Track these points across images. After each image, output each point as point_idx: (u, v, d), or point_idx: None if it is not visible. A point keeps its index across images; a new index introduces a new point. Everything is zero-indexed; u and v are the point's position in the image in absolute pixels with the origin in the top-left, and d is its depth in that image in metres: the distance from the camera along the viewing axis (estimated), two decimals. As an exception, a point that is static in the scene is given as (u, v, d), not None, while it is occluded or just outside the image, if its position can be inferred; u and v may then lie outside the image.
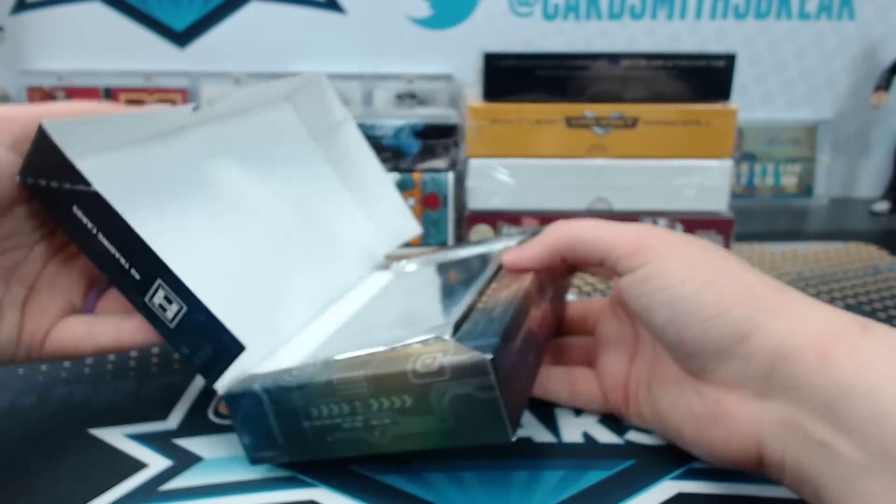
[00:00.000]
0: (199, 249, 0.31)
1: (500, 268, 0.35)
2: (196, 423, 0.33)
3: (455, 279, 0.37)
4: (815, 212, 0.77)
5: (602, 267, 0.31)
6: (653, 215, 0.57)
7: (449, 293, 0.34)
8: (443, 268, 0.40)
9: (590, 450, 0.31)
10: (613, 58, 0.55)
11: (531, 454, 0.30)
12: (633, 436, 0.32)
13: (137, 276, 0.27)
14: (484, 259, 0.38)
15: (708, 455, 0.27)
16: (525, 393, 0.28)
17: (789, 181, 0.79)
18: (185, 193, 0.31)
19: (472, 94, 0.60)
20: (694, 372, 0.27)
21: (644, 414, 0.31)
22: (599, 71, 0.55)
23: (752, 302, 0.25)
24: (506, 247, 0.37)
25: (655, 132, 0.55)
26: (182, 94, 0.77)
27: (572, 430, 0.32)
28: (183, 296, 0.27)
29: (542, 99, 0.55)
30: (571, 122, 0.56)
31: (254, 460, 0.29)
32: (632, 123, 0.55)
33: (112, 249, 0.27)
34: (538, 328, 0.30)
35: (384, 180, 0.43)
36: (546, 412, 0.34)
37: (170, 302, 0.27)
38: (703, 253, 0.28)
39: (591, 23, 0.77)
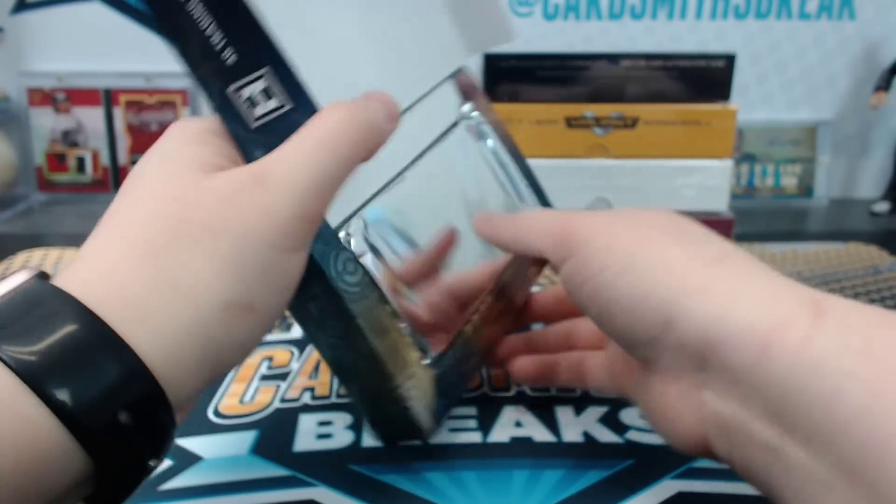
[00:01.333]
0: (318, 38, 0.25)
1: None
2: (196, 423, 0.33)
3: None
4: (815, 212, 0.77)
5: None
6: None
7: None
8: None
9: (590, 449, 0.31)
10: (613, 58, 0.55)
11: (531, 454, 0.30)
12: (633, 435, 0.32)
13: (232, 60, 0.22)
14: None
15: (676, 448, 0.25)
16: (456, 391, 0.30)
17: (789, 182, 0.79)
18: None
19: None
20: (641, 363, 0.25)
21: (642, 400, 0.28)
22: (599, 71, 0.55)
23: (674, 282, 0.22)
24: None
25: (655, 132, 0.55)
26: (182, 95, 0.77)
27: (572, 429, 0.32)
28: (293, 92, 0.23)
29: (542, 99, 0.55)
30: (571, 122, 0.56)
31: None
32: (632, 123, 0.55)
33: (206, 22, 0.21)
34: (486, 341, 0.32)
35: None
36: (546, 412, 0.34)
37: (268, 97, 0.23)
38: (627, 231, 0.25)
39: (591, 23, 0.77)
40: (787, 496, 0.19)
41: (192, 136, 0.23)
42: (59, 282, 0.18)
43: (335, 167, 0.22)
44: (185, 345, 0.19)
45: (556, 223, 0.27)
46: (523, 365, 0.33)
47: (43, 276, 0.19)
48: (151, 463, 0.19)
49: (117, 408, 0.17)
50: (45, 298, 0.18)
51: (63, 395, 0.16)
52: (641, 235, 0.24)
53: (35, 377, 0.16)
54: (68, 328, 0.17)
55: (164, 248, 0.19)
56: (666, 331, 0.22)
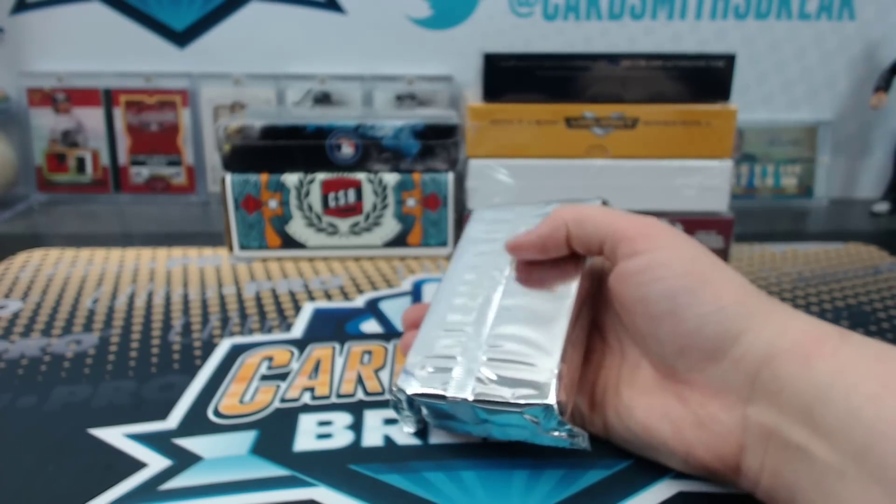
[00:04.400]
0: None
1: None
2: (196, 423, 0.33)
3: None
4: (815, 212, 0.77)
5: (601, 253, 0.30)
6: (653, 215, 0.57)
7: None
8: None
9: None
10: (613, 58, 0.55)
11: (531, 454, 0.30)
12: (634, 435, 0.32)
13: None
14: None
15: (682, 462, 0.27)
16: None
17: (789, 182, 0.79)
18: None
19: (472, 94, 0.60)
20: (679, 373, 0.27)
21: (609, 421, 0.30)
22: (599, 71, 0.55)
23: (747, 302, 0.26)
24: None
25: (655, 132, 0.55)
26: (182, 95, 0.77)
27: (572, 429, 0.32)
28: None
29: (542, 99, 0.55)
30: (571, 123, 0.56)
31: None
32: (632, 124, 0.55)
33: None
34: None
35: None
36: (546, 412, 0.34)
37: None
38: (701, 251, 0.28)
39: (591, 23, 0.77)
40: (808, 491, 0.22)
41: None
42: None
43: None
44: None
45: (627, 219, 0.29)
46: None
47: None
48: None
49: None
50: None
51: None
52: (714, 259, 0.28)
53: None
54: None
55: None
56: (732, 342, 0.25)
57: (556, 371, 0.28)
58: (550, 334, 0.30)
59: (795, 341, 0.24)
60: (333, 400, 0.35)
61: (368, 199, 0.56)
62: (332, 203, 0.56)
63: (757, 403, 0.24)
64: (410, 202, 0.56)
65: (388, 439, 0.32)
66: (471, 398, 0.28)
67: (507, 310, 0.32)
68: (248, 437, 0.32)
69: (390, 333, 0.43)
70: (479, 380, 0.28)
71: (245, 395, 0.36)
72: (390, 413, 0.34)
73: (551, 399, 0.27)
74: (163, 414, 0.34)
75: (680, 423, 0.27)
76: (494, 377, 0.28)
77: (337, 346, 0.41)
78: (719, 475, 0.26)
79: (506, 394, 0.28)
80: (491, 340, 0.30)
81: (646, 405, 0.28)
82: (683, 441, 0.26)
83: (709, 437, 0.26)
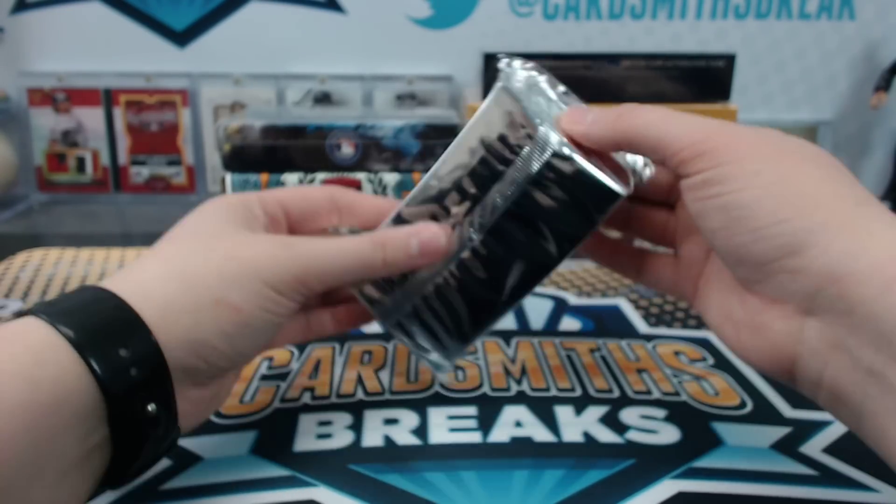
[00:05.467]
0: None
1: None
2: (196, 423, 0.33)
3: None
4: (816, 212, 0.77)
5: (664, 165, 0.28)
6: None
7: None
8: None
9: (590, 449, 0.31)
10: (613, 58, 0.55)
11: (531, 454, 0.30)
12: (633, 435, 0.32)
13: None
14: None
15: (744, 360, 0.27)
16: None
17: (789, 181, 0.79)
18: None
19: (472, 94, 0.60)
20: (741, 280, 0.27)
21: (701, 314, 0.30)
22: (599, 71, 0.55)
23: (817, 214, 0.23)
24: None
25: (655, 132, 0.55)
26: (182, 95, 0.77)
27: (572, 429, 0.32)
28: None
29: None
30: (571, 122, 0.56)
31: None
32: (632, 123, 0.55)
33: None
34: None
35: None
36: (546, 411, 0.34)
37: None
38: (777, 157, 0.25)
39: (592, 23, 0.77)
40: (879, 416, 0.21)
41: (229, 205, 0.30)
42: (104, 283, 0.25)
43: (344, 275, 0.30)
44: (179, 320, 0.25)
45: (702, 130, 0.26)
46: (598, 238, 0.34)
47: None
48: (150, 407, 0.23)
49: (117, 344, 0.23)
50: (89, 292, 0.24)
51: (94, 359, 0.22)
52: (792, 165, 0.25)
53: (78, 344, 0.22)
54: (102, 312, 0.24)
55: (186, 262, 0.26)
56: (789, 257, 0.23)
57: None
58: None
59: (875, 263, 0.21)
60: (333, 400, 0.35)
61: (368, 199, 0.56)
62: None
63: (819, 318, 0.23)
64: (410, 202, 0.57)
65: (388, 439, 0.32)
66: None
67: None
68: (248, 437, 0.32)
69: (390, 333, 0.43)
70: None
71: (245, 395, 0.36)
72: (390, 413, 0.34)
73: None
74: (163, 414, 0.34)
75: (740, 326, 0.26)
76: None
77: (337, 346, 0.41)
78: (777, 377, 0.26)
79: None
80: None
81: (716, 305, 0.28)
82: (741, 344, 0.26)
83: (762, 343, 0.25)
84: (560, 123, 0.30)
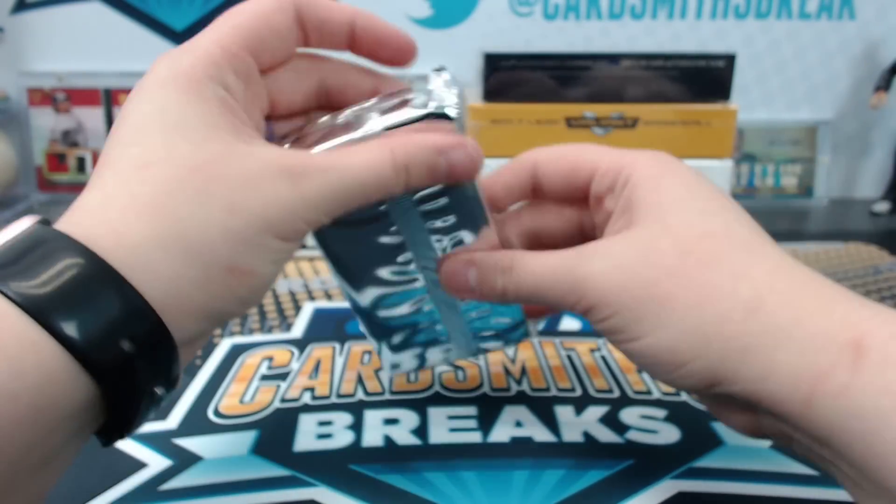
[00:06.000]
0: None
1: None
2: (196, 423, 0.33)
3: None
4: (816, 212, 0.77)
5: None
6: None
7: None
8: None
9: (590, 449, 0.31)
10: (613, 58, 0.55)
11: (531, 454, 0.30)
12: (633, 435, 0.32)
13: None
14: None
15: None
16: None
17: (789, 182, 0.79)
18: None
19: (472, 94, 0.60)
20: None
21: None
22: (599, 71, 0.55)
23: (713, 349, 0.22)
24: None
25: (655, 132, 0.55)
26: (182, 95, 0.77)
27: (572, 429, 0.32)
28: None
29: (542, 99, 0.55)
30: (571, 122, 0.56)
31: None
32: (632, 123, 0.55)
33: None
34: None
35: None
36: (546, 412, 0.34)
37: None
38: (645, 291, 0.23)
39: (592, 23, 0.77)
40: (852, 493, 0.21)
41: (199, 87, 0.22)
42: (62, 226, 0.20)
43: (358, 198, 0.23)
44: (191, 296, 0.20)
45: (574, 287, 0.24)
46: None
47: (46, 223, 0.20)
48: (158, 391, 0.20)
49: (119, 337, 0.18)
50: (49, 238, 0.19)
51: (69, 327, 0.18)
52: (665, 295, 0.23)
53: (41, 311, 0.17)
54: (71, 264, 0.18)
55: (180, 216, 0.20)
56: (711, 387, 0.23)
57: None
58: None
59: (787, 382, 0.20)
60: (333, 400, 0.35)
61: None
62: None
63: (765, 418, 0.23)
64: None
65: (388, 439, 0.32)
66: None
67: None
68: (249, 437, 0.32)
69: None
70: None
71: (245, 395, 0.36)
72: (390, 413, 0.34)
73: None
74: (163, 414, 0.34)
75: (705, 403, 0.26)
76: None
77: (337, 345, 0.41)
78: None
79: None
80: None
81: None
82: (712, 412, 0.26)
83: (729, 421, 0.25)
84: (444, 281, 0.28)
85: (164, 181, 0.21)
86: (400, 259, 0.29)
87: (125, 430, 0.21)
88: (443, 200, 0.27)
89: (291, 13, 0.25)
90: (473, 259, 0.27)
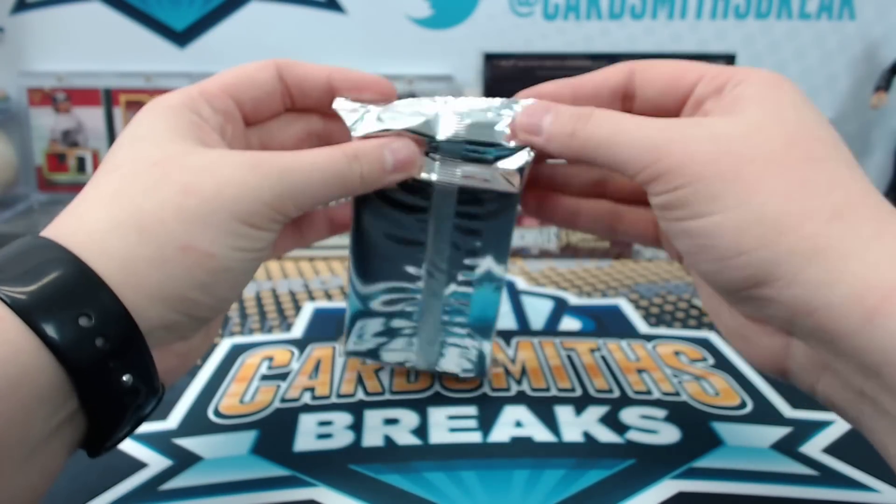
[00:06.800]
0: None
1: None
2: (196, 423, 0.33)
3: None
4: (816, 212, 0.77)
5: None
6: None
7: None
8: None
9: (590, 449, 0.31)
10: (613, 58, 0.55)
11: (531, 454, 0.30)
12: (634, 435, 0.32)
13: None
14: None
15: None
16: None
17: (789, 181, 0.79)
18: None
19: (472, 94, 0.60)
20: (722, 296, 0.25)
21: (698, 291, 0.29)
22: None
23: (781, 242, 0.20)
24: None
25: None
26: (182, 95, 0.77)
27: (572, 429, 0.32)
28: None
29: (542, 99, 0.55)
30: (571, 122, 0.56)
31: None
32: (632, 123, 0.55)
33: None
34: None
35: None
36: (546, 412, 0.34)
37: None
38: (737, 173, 0.22)
39: (592, 23, 0.77)
40: (879, 435, 0.20)
41: (171, 111, 0.25)
42: (49, 232, 0.21)
43: (321, 194, 0.25)
44: (147, 275, 0.21)
45: (653, 150, 0.23)
46: (547, 206, 0.31)
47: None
48: (126, 379, 0.21)
49: (77, 314, 0.19)
50: (35, 247, 0.21)
51: (50, 328, 0.19)
52: (754, 180, 0.21)
53: (26, 312, 0.19)
54: (55, 273, 0.20)
55: (136, 202, 0.22)
56: (759, 287, 0.21)
57: None
58: None
59: (851, 293, 0.19)
60: (333, 400, 0.35)
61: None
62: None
63: (803, 340, 0.22)
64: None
65: (388, 439, 0.32)
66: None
67: None
68: (249, 437, 0.32)
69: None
70: None
71: (245, 394, 0.36)
72: (390, 413, 0.34)
73: None
74: (163, 414, 0.34)
75: (730, 327, 0.26)
76: None
77: (337, 346, 0.41)
78: (780, 380, 0.25)
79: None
80: None
81: (707, 301, 0.27)
82: (734, 343, 0.26)
83: (752, 351, 0.24)
84: (515, 126, 0.27)
85: (126, 176, 0.23)
86: (417, 254, 0.31)
87: (108, 431, 0.21)
88: (477, 224, 0.30)
89: (272, 70, 0.29)
90: (552, 106, 0.27)
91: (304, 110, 0.30)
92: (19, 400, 0.18)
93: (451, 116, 0.28)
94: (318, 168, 0.25)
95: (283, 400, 0.35)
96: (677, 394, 0.35)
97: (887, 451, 0.20)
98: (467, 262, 0.31)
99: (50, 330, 0.19)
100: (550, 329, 0.43)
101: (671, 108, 0.27)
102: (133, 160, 0.23)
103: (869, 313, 0.19)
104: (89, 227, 0.21)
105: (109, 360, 0.20)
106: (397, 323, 0.33)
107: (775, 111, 0.23)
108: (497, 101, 0.28)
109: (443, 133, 0.28)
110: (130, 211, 0.22)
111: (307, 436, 0.32)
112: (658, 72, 0.27)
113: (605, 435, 0.32)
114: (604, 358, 0.39)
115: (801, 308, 0.20)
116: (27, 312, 0.19)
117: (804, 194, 0.21)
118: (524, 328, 0.44)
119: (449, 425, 0.33)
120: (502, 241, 0.31)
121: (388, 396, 0.35)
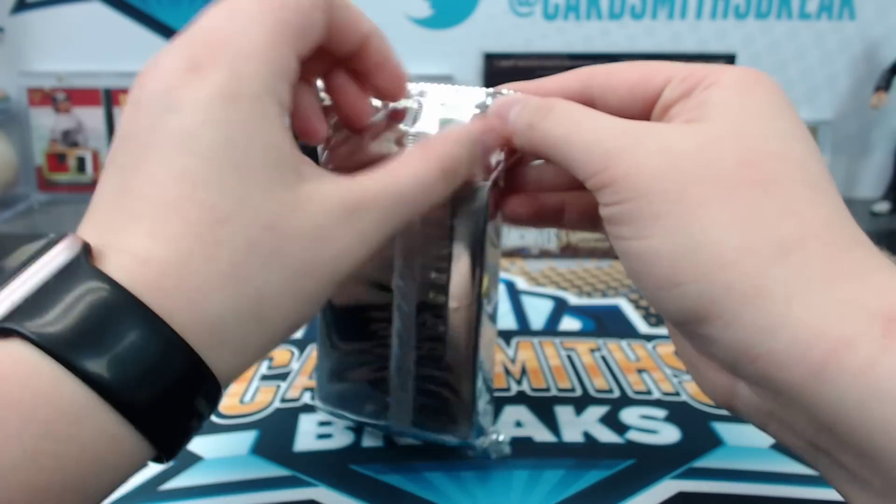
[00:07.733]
0: None
1: None
2: (196, 423, 0.33)
3: None
4: (816, 212, 0.77)
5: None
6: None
7: None
8: None
9: (590, 449, 0.31)
10: (613, 58, 0.55)
11: (531, 454, 0.30)
12: (634, 435, 0.32)
13: None
14: None
15: None
16: None
17: (789, 181, 0.79)
18: None
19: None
20: None
21: None
22: (599, 71, 0.55)
23: (718, 276, 0.18)
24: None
25: (655, 132, 0.55)
26: (182, 95, 0.77)
27: (572, 429, 0.32)
28: None
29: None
30: (571, 122, 0.56)
31: None
32: (632, 123, 0.55)
33: None
34: None
35: None
36: (546, 412, 0.34)
37: None
38: (682, 192, 0.20)
39: (592, 23, 0.77)
40: (835, 483, 0.19)
41: (262, 112, 0.20)
42: (126, 276, 0.17)
43: (409, 215, 0.22)
44: (248, 359, 0.20)
45: (604, 157, 0.21)
46: (515, 206, 0.29)
47: (90, 262, 0.18)
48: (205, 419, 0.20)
49: (193, 417, 0.19)
50: (117, 311, 0.17)
51: (160, 440, 0.18)
52: (698, 202, 0.19)
53: (145, 423, 0.17)
54: (143, 340, 0.17)
55: (256, 284, 0.19)
56: (698, 324, 0.19)
57: None
58: None
59: (795, 342, 0.17)
60: (333, 400, 0.35)
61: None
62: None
63: (749, 385, 0.20)
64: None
65: (388, 439, 0.32)
66: None
67: None
68: (249, 437, 0.32)
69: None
70: None
71: (245, 394, 0.36)
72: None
73: None
74: (163, 414, 0.34)
75: (682, 353, 0.25)
76: None
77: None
78: None
79: None
80: None
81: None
82: (688, 368, 0.24)
83: (703, 381, 0.23)
84: (487, 118, 0.26)
85: (240, 243, 0.19)
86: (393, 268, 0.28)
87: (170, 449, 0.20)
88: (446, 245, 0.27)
89: (324, 8, 0.23)
90: (521, 99, 0.25)
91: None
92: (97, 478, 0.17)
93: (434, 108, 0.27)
94: (413, 198, 0.22)
95: (284, 400, 0.35)
96: (677, 394, 0.36)
97: (850, 500, 0.19)
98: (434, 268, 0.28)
99: (156, 437, 0.18)
100: (550, 329, 0.43)
101: (637, 114, 0.24)
102: (242, 214, 0.19)
103: (817, 367, 0.17)
104: (210, 316, 0.18)
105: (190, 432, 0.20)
106: (373, 371, 0.30)
107: (738, 122, 0.21)
108: (480, 90, 0.27)
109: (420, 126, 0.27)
110: (250, 295, 0.19)
111: (307, 436, 0.32)
112: (620, 77, 0.25)
113: (605, 435, 0.32)
114: (604, 358, 0.39)
115: (742, 352, 0.18)
116: (146, 425, 0.17)
117: (749, 225, 0.19)
118: (524, 328, 0.44)
119: (449, 425, 0.33)
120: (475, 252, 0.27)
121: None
